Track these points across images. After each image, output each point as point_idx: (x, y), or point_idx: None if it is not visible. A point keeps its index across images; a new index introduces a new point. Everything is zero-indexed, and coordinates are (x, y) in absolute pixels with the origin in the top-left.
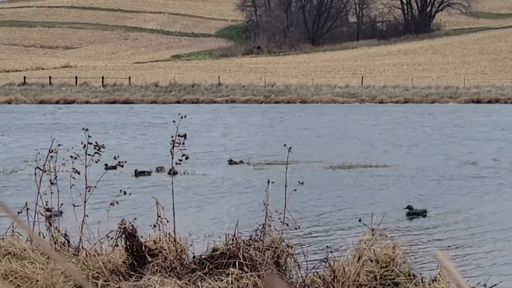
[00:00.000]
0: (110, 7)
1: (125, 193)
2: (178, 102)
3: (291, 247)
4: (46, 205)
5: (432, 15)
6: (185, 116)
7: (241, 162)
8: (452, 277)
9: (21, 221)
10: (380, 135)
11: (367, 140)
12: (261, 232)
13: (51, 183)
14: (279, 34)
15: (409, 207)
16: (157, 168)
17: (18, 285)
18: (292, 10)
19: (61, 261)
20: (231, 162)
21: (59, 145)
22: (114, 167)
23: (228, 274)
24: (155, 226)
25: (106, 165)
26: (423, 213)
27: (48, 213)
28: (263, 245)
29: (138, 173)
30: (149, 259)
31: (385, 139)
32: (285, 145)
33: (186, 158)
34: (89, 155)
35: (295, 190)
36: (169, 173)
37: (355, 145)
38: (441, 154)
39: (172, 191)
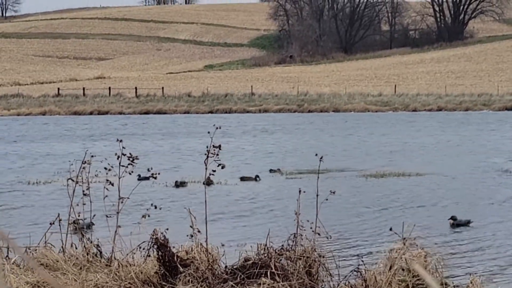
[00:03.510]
0: (143, 18)
1: (155, 207)
2: (211, 112)
3: (323, 257)
4: (79, 216)
5: (465, 23)
6: (219, 127)
7: (277, 170)
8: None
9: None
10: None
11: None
12: (293, 241)
13: (84, 194)
14: (311, 43)
15: (453, 218)
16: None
17: None
18: (325, 19)
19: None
20: (272, 170)
21: (92, 156)
22: (147, 178)
23: (260, 284)
24: (187, 236)
25: (139, 175)
26: (467, 223)
27: (75, 225)
28: (295, 255)
29: (178, 184)
30: (181, 269)
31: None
32: (316, 154)
33: (222, 168)
34: (123, 166)
35: (327, 199)
36: (203, 183)
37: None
38: (479, 162)
39: (205, 201)
